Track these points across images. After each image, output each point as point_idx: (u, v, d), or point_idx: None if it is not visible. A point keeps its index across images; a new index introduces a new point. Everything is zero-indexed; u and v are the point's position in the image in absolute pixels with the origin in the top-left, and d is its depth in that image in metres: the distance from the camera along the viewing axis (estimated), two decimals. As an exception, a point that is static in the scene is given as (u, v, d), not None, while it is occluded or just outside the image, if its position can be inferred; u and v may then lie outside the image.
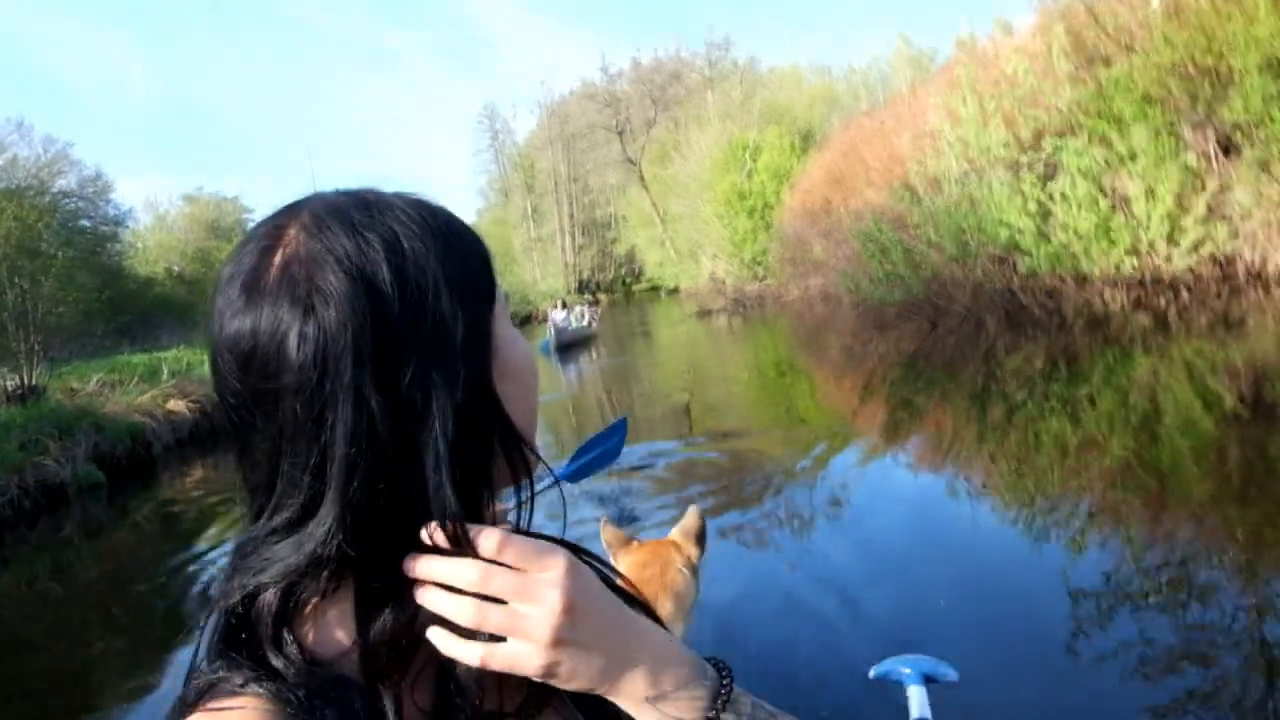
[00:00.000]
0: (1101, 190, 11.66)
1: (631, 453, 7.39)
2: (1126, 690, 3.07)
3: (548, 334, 24.06)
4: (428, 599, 0.59)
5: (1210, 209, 10.94)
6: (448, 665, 0.61)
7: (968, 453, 6.95)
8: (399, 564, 0.60)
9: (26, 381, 12.79)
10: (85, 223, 32.70)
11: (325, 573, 0.59)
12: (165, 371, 15.85)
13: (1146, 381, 8.01)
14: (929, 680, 2.04)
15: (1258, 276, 10.98)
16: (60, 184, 31.62)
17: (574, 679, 0.60)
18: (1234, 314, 10.08)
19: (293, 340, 0.56)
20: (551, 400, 14.54)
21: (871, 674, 2.12)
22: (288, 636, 0.60)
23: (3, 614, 7.56)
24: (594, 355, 22.65)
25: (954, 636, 3.73)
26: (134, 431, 12.92)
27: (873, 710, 3.01)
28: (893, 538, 5.30)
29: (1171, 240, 11.16)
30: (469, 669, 0.60)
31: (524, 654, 0.58)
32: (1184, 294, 11.39)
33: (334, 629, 0.61)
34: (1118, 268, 11.77)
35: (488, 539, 0.59)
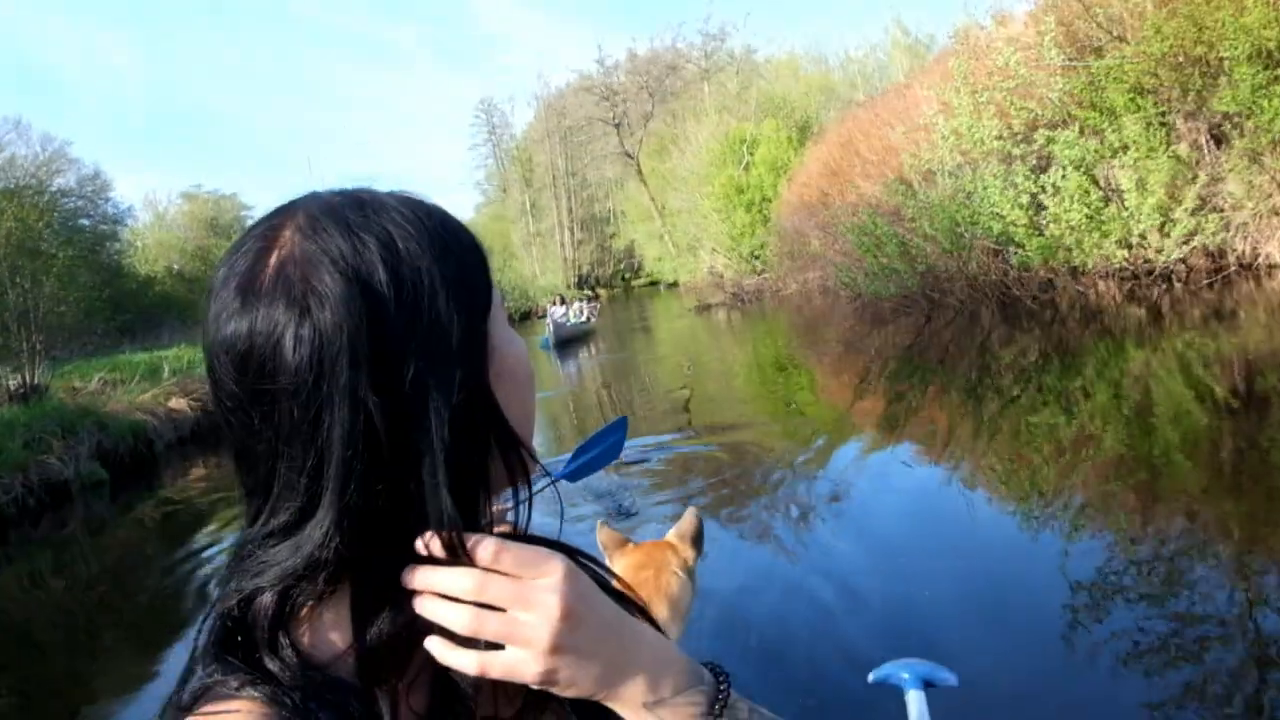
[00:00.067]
0: (1094, 182, 11.69)
1: (631, 447, 7.43)
2: (1122, 683, 3.08)
3: (546, 330, 24.06)
4: (426, 608, 0.59)
5: (1202, 200, 10.97)
6: (444, 670, 0.61)
7: (963, 445, 6.96)
8: (396, 567, 0.60)
9: (29, 380, 12.88)
10: (84, 221, 32.71)
11: (322, 576, 0.59)
12: (166, 370, 15.92)
13: (1139, 373, 8.03)
14: (928, 684, 2.03)
15: (1249, 267, 11.04)
16: (59, 183, 31.63)
17: (572, 686, 0.60)
18: (1226, 305, 10.08)
19: (289, 342, 0.56)
20: (550, 397, 14.58)
21: (871, 678, 2.11)
22: (283, 640, 0.60)
23: (7, 610, 7.63)
24: (593, 351, 22.64)
25: (951, 629, 3.75)
26: (136, 430, 13.00)
27: (872, 715, 3.00)
28: (891, 529, 5.31)
29: (1163, 232, 11.19)
30: (466, 674, 0.60)
31: (522, 661, 0.58)
32: (1176, 286, 11.41)
33: (330, 632, 0.61)
34: (1109, 260, 11.79)
35: (484, 547, 0.59)
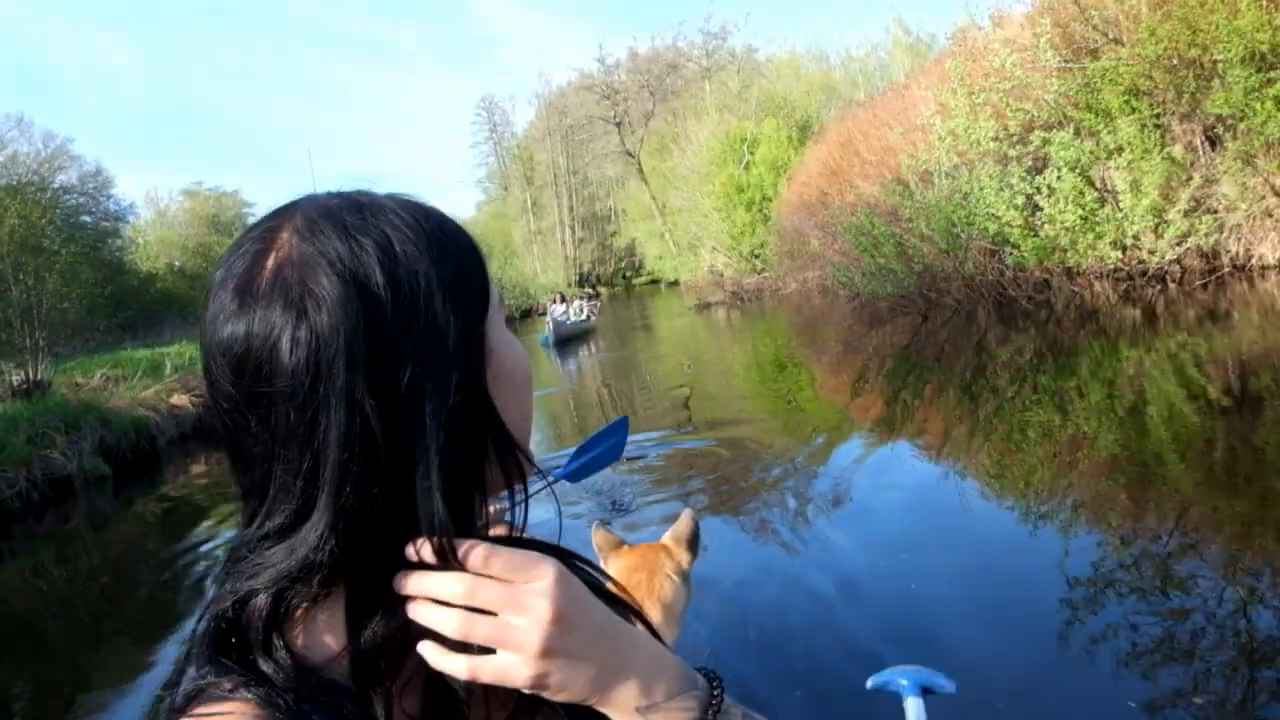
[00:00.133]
0: (1089, 183, 11.74)
1: (631, 442, 7.44)
2: (1117, 681, 3.09)
3: (546, 328, 24.03)
4: (417, 613, 0.59)
5: (1196, 202, 11.02)
6: (438, 674, 0.61)
7: (960, 443, 6.99)
8: (391, 570, 0.60)
9: (32, 376, 12.97)
10: (86, 218, 32.73)
11: (317, 578, 0.59)
12: (168, 366, 15.99)
13: (1134, 373, 8.05)
14: (926, 691, 2.02)
15: (1242, 269, 11.10)
16: (61, 179, 31.62)
17: (564, 690, 0.60)
18: (1220, 306, 10.11)
19: (285, 344, 0.56)
20: (551, 394, 14.64)
21: (869, 684, 2.09)
22: (278, 642, 0.59)
23: (11, 602, 7.72)
24: (593, 349, 22.64)
25: (947, 624, 3.78)
26: (138, 425, 13.08)
27: (871, 715, 2.96)
28: (890, 524, 5.36)
29: (1156, 233, 11.24)
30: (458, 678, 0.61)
31: (513, 666, 0.58)
32: (1170, 286, 11.44)
33: (324, 634, 0.61)
34: (1103, 260, 11.84)
35: (475, 553, 0.59)
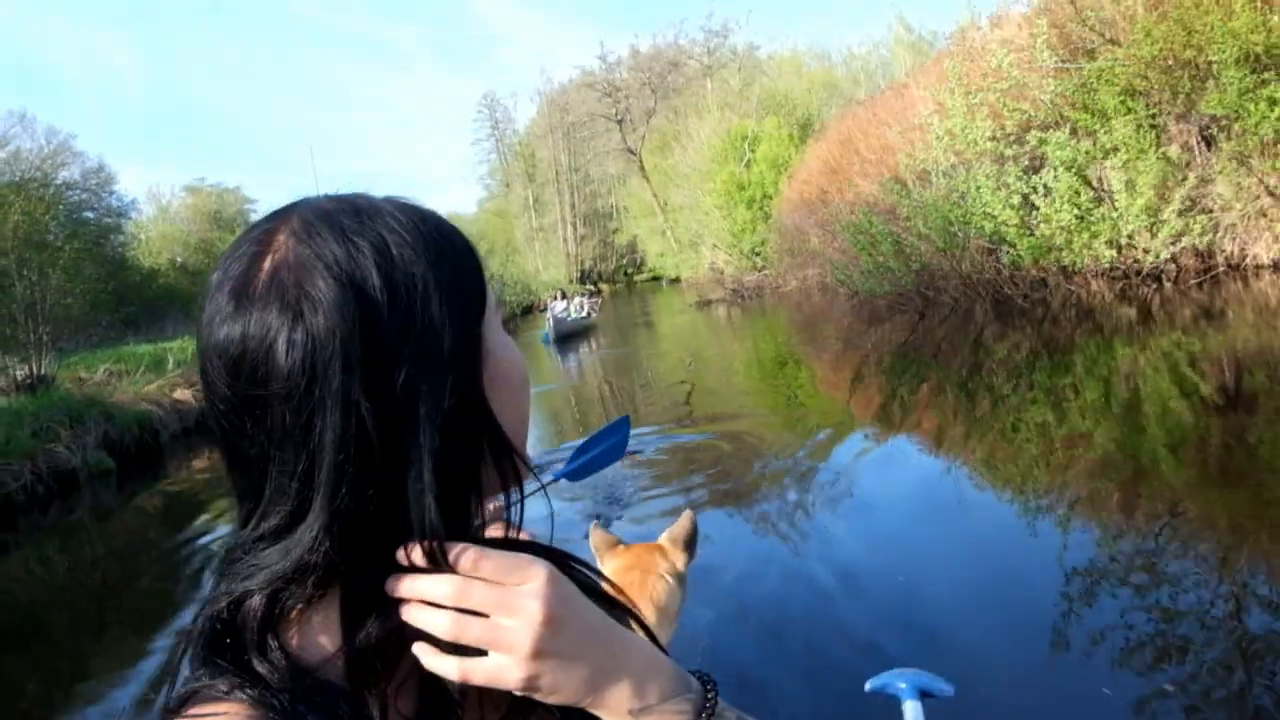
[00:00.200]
0: (1086, 182, 11.80)
1: (632, 437, 7.50)
2: (1112, 678, 3.10)
3: (547, 325, 24.06)
4: (410, 614, 0.60)
5: (1192, 202, 11.08)
6: (432, 674, 0.61)
7: (957, 439, 7.04)
8: (385, 572, 0.60)
9: (36, 371, 13.05)
10: (89, 214, 32.75)
11: (312, 579, 0.59)
12: (171, 361, 16.03)
13: (1129, 371, 8.10)
14: (925, 695, 2.03)
15: (1237, 268, 11.16)
16: (63, 175, 31.66)
17: (556, 692, 0.60)
18: (1215, 305, 10.13)
19: (281, 346, 0.56)
20: (552, 390, 14.72)
21: (867, 687, 2.10)
22: (273, 643, 0.59)
23: (17, 593, 7.80)
24: (594, 345, 22.65)
25: (944, 621, 3.81)
26: (142, 420, 13.15)
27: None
28: (889, 519, 5.41)
29: (1151, 233, 11.30)
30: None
31: (504, 667, 0.59)
32: (1166, 285, 11.49)
33: (319, 635, 0.61)
34: (1098, 260, 11.90)
35: (464, 555, 0.59)
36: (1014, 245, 12.61)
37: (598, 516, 5.84)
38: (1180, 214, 11.02)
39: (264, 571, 0.59)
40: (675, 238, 46.56)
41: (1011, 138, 12.82)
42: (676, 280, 47.17)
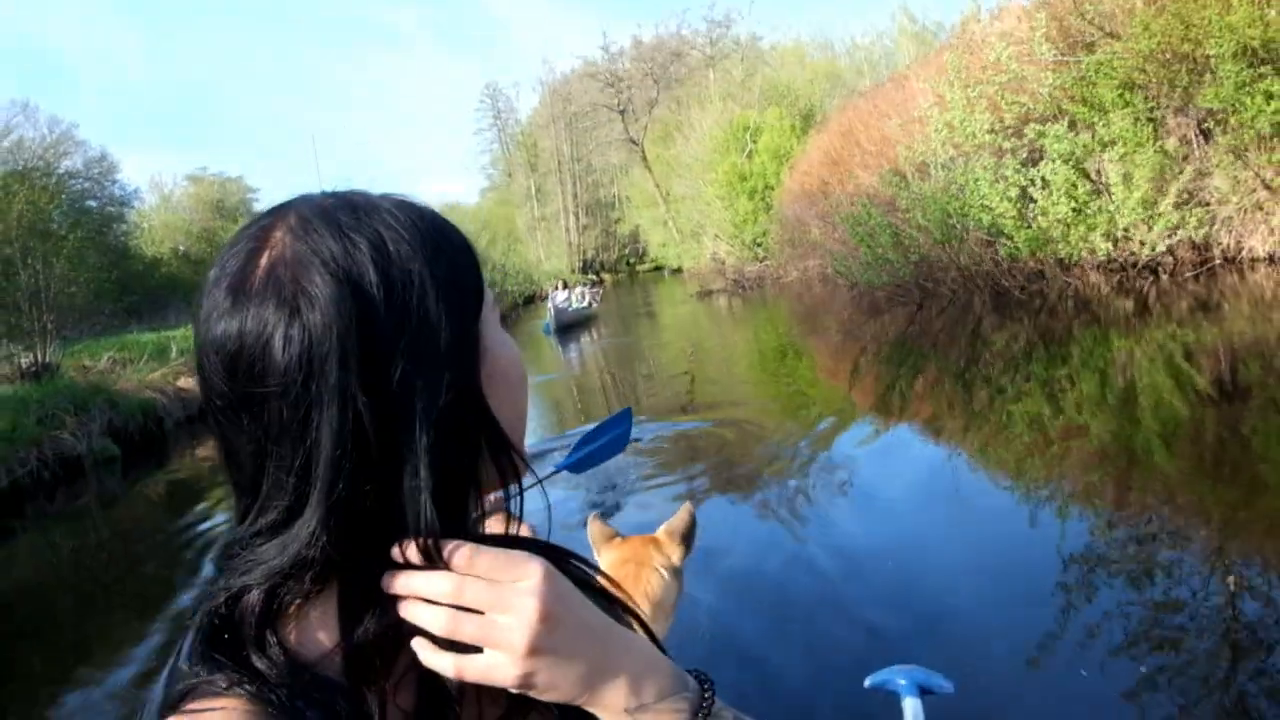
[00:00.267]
0: (1083, 175, 11.85)
1: (634, 426, 7.53)
2: (1106, 671, 3.11)
3: (548, 315, 24.09)
4: (407, 611, 0.60)
5: (1189, 195, 11.13)
6: (431, 670, 0.61)
7: (954, 429, 7.11)
8: (383, 567, 0.60)
9: (41, 359, 13.11)
10: (92, 203, 32.78)
11: (309, 575, 0.59)
12: (174, 349, 16.06)
13: (1126, 363, 8.13)
14: (925, 692, 2.02)
15: (1233, 260, 11.22)
16: (66, 164, 31.69)
17: (552, 689, 0.60)
18: (1212, 298, 10.16)
19: (278, 342, 0.56)
20: (553, 380, 14.79)
21: (867, 683, 2.09)
22: (271, 638, 0.59)
23: (24, 579, 7.92)
24: (595, 335, 22.66)
25: (944, 611, 3.83)
26: (146, 407, 13.18)
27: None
28: (889, 508, 5.44)
29: (1148, 225, 11.36)
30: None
31: (500, 665, 0.58)
32: (1163, 278, 11.54)
33: (317, 631, 0.61)
34: (1094, 252, 11.96)
35: (459, 552, 0.59)
36: (1011, 237, 12.65)
37: (599, 506, 5.89)
38: (1177, 207, 11.06)
39: (261, 567, 0.59)
40: (677, 228, 46.53)
41: (1010, 130, 12.85)
42: (678, 270, 47.14)
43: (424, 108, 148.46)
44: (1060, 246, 12.28)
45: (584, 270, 61.96)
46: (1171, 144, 11.24)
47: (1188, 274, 11.28)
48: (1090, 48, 11.66)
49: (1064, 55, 11.92)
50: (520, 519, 0.70)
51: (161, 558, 7.36)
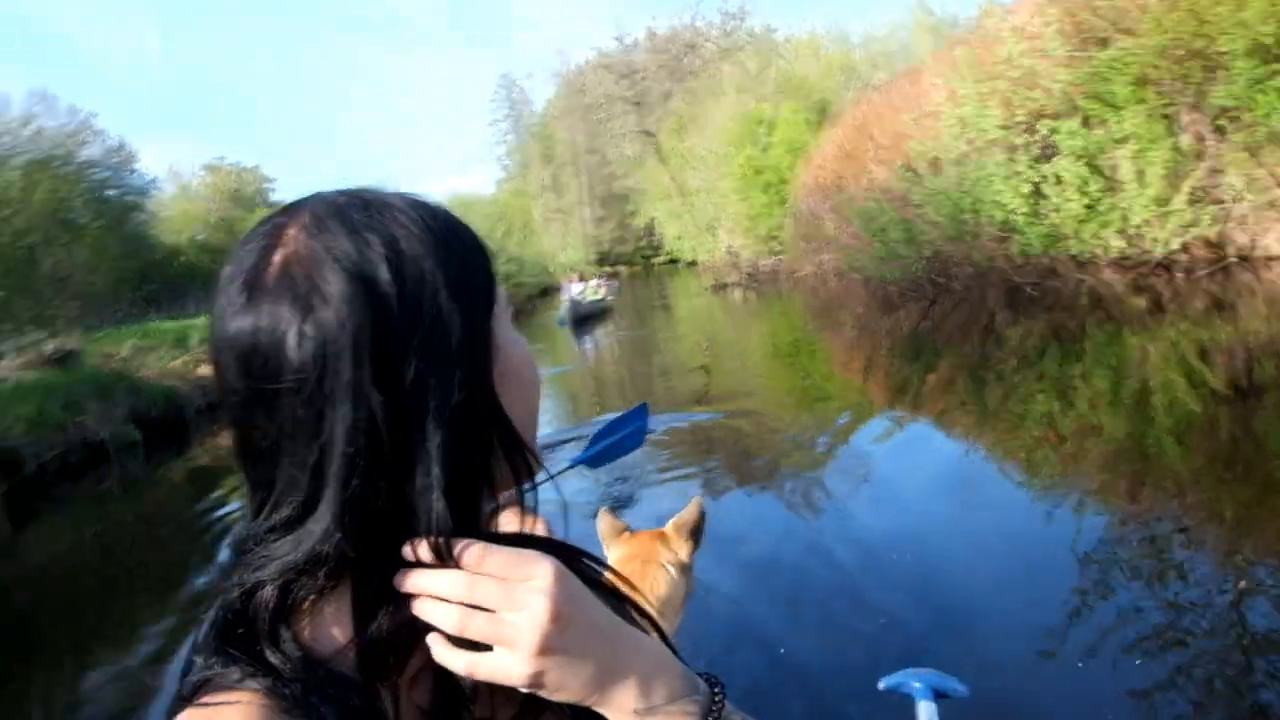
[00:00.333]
0: (1096, 172, 11.82)
1: (651, 418, 7.55)
2: (1119, 669, 3.11)
3: (562, 307, 24.17)
4: (420, 608, 0.60)
5: (1203, 192, 11.10)
6: (445, 668, 0.61)
7: (967, 427, 7.12)
8: (397, 564, 0.60)
9: (65, 346, 13.35)
10: (111, 192, 33.02)
11: (323, 571, 0.59)
12: (194, 338, 16.25)
13: (1140, 361, 8.11)
14: (939, 695, 2.01)
15: (1247, 259, 11.17)
16: (85, 154, 31.92)
17: (562, 689, 0.60)
18: (1226, 296, 10.09)
19: (292, 339, 0.57)
20: (568, 371, 14.90)
21: (881, 685, 2.09)
22: (285, 633, 0.60)
23: (49, 560, 8.11)
24: (611, 328, 22.76)
25: (957, 608, 3.86)
26: (167, 395, 13.42)
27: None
28: (903, 503, 5.46)
29: (1161, 222, 11.33)
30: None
31: (510, 663, 0.58)
32: (1177, 276, 11.48)
33: (331, 627, 0.61)
34: (1107, 249, 11.93)
35: (470, 551, 0.59)
36: (1024, 233, 12.63)
37: (613, 497, 6.01)
38: (1190, 204, 11.01)
39: (276, 562, 0.59)
40: (692, 221, 46.40)
41: (1022, 126, 12.81)
42: (693, 264, 47.08)
43: (440, 99, 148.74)
44: (1073, 243, 12.24)
45: (600, 263, 61.83)
46: (1185, 141, 11.20)
47: (1202, 272, 11.25)
48: (1103, 43, 11.60)
49: (1077, 51, 11.88)
50: (535, 513, 0.70)
51: (182, 541, 7.54)
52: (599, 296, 27.15)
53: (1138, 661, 3.14)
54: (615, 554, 2.06)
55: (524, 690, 0.60)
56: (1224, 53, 10.11)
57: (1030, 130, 12.66)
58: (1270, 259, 10.97)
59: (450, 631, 0.59)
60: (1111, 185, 11.75)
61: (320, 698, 0.57)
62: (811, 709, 3.33)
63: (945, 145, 14.26)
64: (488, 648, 0.59)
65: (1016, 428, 6.86)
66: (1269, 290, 10.07)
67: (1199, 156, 11.20)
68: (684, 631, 1.96)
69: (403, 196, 0.65)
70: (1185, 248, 11.45)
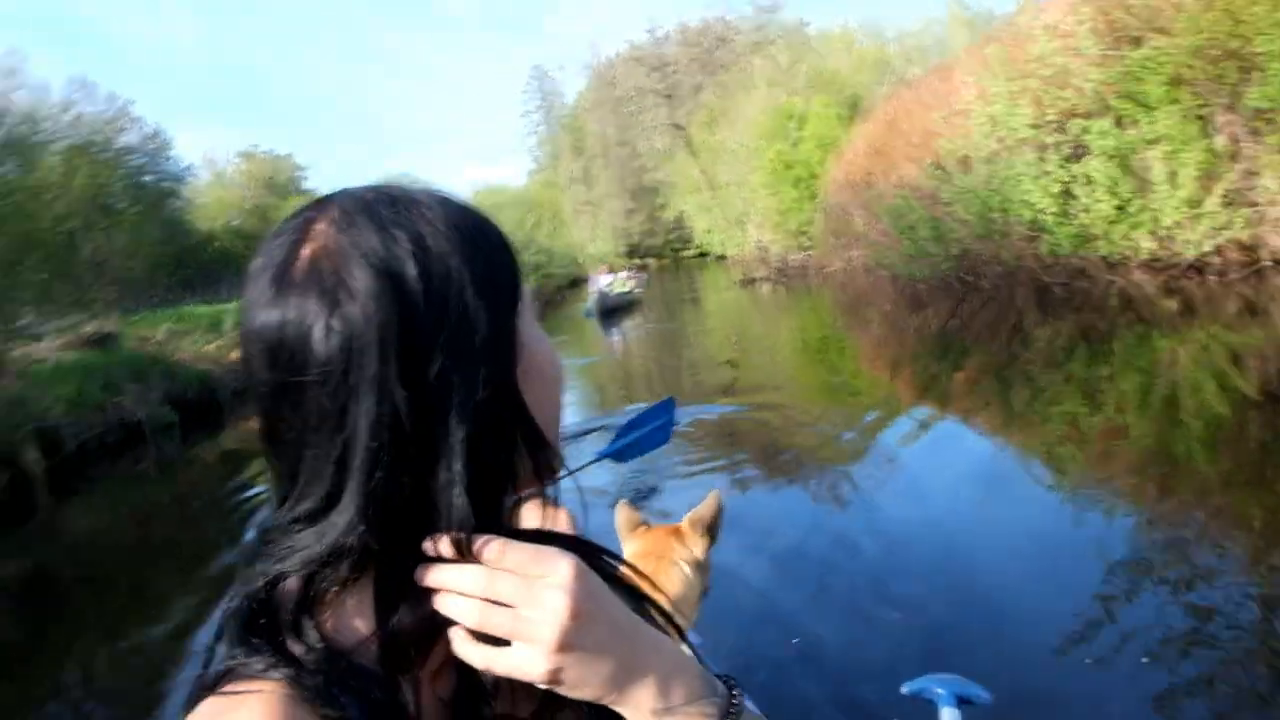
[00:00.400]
0: (1127, 172, 11.72)
1: (677, 412, 7.58)
2: (1141, 677, 3.09)
3: (590, 298, 24.29)
4: (440, 603, 0.61)
5: (1238, 194, 10.95)
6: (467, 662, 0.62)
7: (995, 427, 7.12)
8: (419, 557, 0.61)
9: (102, 329, 13.63)
10: (148, 179, 33.45)
11: (346, 563, 0.60)
12: (228, 322, 16.51)
13: (1170, 364, 8.03)
14: (962, 701, 1.99)
15: (1280, 263, 11.09)
16: (123, 140, 32.31)
17: (580, 687, 0.60)
18: (1260, 300, 9.91)
19: (318, 333, 0.57)
20: (595, 362, 14.99)
21: (904, 690, 2.08)
22: (307, 624, 0.60)
23: (86, 536, 8.33)
24: (638, 320, 22.81)
25: (980, 609, 3.84)
26: (202, 378, 13.71)
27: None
28: (930, 500, 5.46)
29: (1193, 224, 11.19)
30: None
31: (528, 659, 0.59)
32: (1210, 279, 11.32)
33: (353, 619, 0.62)
34: (1137, 250, 11.82)
35: (490, 547, 0.60)
36: (1053, 233, 12.54)
37: (636, 487, 6.05)
38: (1224, 206, 10.89)
39: (299, 554, 0.59)
40: (722, 214, 46.29)
41: (1053, 125, 12.70)
42: (723, 257, 47.00)
43: (472, 89, 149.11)
44: (1102, 244, 12.14)
45: (629, 255, 61.91)
46: (1220, 142, 11.08)
47: (1235, 275, 11.12)
48: (1137, 42, 11.47)
49: (1110, 50, 11.78)
50: (558, 502, 0.71)
51: (213, 520, 7.73)
52: (627, 289, 27.15)
53: (1161, 667, 3.13)
54: (630, 549, 2.05)
55: (542, 686, 0.61)
56: (1260, 53, 9.97)
57: (1061, 129, 12.55)
58: (1304, 263, 10.84)
59: (470, 626, 0.60)
60: (1143, 186, 11.62)
61: (342, 689, 0.58)
62: (834, 706, 3.32)
63: (975, 143, 14.16)
64: (508, 643, 0.60)
65: (1044, 427, 6.84)
66: (1302, 294, 9.97)
67: (1233, 158, 11.04)
68: (708, 621, 1.97)
69: (430, 193, 0.65)
70: (1218, 250, 11.30)
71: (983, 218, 13.33)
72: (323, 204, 0.63)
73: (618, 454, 0.90)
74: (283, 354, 0.58)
